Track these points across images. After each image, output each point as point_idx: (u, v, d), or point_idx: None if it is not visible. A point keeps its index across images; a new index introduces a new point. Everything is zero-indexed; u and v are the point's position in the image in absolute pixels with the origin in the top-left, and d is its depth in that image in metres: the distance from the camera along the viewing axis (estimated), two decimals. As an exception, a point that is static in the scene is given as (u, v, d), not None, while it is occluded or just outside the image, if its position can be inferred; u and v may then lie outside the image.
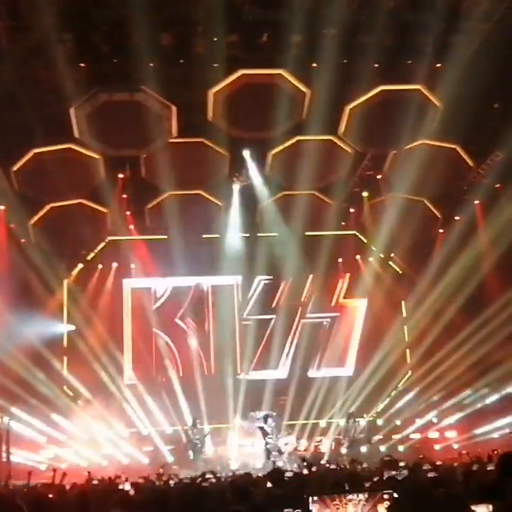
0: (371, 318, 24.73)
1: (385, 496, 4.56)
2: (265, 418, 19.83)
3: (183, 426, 21.59)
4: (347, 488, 7.99)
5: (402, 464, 14.97)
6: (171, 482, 14.56)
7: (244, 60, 17.39)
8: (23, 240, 21.79)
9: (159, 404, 22.93)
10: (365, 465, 16.36)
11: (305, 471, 15.24)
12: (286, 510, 3.92)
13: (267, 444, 19.35)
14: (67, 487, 12.78)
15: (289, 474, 12.60)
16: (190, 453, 20.74)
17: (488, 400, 21.69)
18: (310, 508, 4.28)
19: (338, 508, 4.45)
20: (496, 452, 15.91)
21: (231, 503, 6.72)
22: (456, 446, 21.51)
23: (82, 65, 16.89)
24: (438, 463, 15.67)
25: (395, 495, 4.59)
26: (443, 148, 20.18)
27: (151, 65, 16.81)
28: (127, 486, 12.87)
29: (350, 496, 4.50)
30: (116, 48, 16.57)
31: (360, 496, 4.53)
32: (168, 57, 17.08)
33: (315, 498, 4.34)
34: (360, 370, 23.70)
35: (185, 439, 20.62)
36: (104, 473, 17.27)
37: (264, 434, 19.41)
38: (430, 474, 10.82)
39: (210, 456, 20.47)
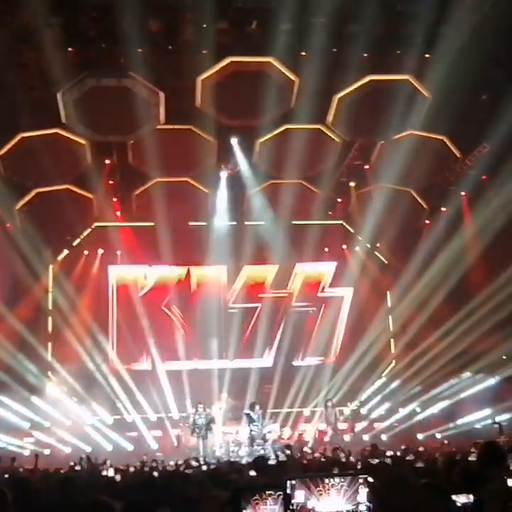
0: (356, 307, 24.82)
1: (360, 481, 4.62)
2: (252, 405, 19.88)
3: (184, 412, 21.51)
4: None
5: (388, 453, 15.14)
6: (155, 470, 14.65)
7: (233, 47, 17.35)
8: (8, 225, 21.68)
9: (144, 391, 22.94)
10: (346, 458, 16.42)
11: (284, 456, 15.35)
12: (268, 492, 3.95)
13: (251, 431, 19.39)
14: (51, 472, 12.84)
15: (272, 462, 12.71)
16: (174, 440, 20.84)
17: (472, 390, 21.83)
18: (288, 492, 4.33)
19: (321, 494, 4.50)
20: (478, 442, 16.17)
21: (212, 490, 6.75)
22: (438, 435, 21.67)
23: (70, 49, 16.77)
24: (420, 449, 15.87)
25: (370, 479, 4.65)
26: (430, 139, 20.22)
27: (140, 51, 16.73)
28: (111, 472, 12.93)
29: (332, 482, 4.55)
30: (105, 33, 16.52)
31: (343, 480, 4.59)
32: (156, 44, 17.03)
33: (294, 482, 4.39)
34: (345, 359, 23.79)
35: (188, 424, 20.40)
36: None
37: (250, 421, 19.45)
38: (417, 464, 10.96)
39: (194, 443, 20.49)
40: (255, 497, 3.92)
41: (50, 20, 15.74)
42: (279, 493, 3.98)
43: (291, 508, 4.33)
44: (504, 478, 5.54)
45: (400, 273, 23.44)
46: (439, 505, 5.16)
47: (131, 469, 15.14)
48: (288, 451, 17.02)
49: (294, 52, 17.38)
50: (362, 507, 4.58)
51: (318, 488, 4.49)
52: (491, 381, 21.39)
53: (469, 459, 10.41)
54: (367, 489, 4.59)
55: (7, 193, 20.21)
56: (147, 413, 22.97)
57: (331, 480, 4.53)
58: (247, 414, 19.74)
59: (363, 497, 4.61)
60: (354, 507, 4.57)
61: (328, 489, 4.52)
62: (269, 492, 3.96)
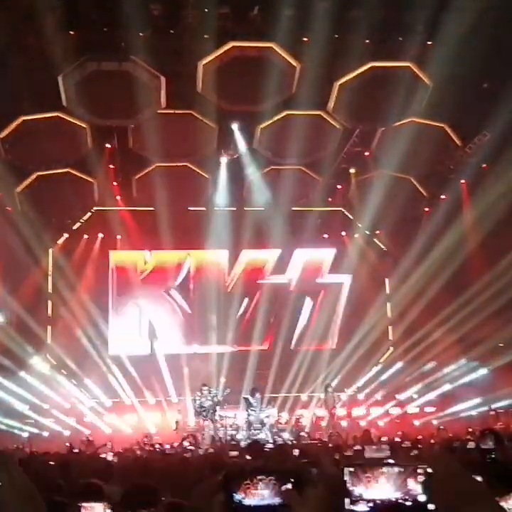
0: (355, 294, 24.87)
1: (420, 471, 4.62)
2: (253, 391, 20.00)
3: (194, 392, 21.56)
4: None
5: (383, 439, 15.26)
6: (153, 453, 14.77)
7: (235, 32, 17.32)
8: (8, 208, 21.69)
9: (142, 375, 23.04)
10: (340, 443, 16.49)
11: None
12: (259, 477, 4.01)
13: (249, 415, 19.51)
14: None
15: (269, 446, 12.82)
16: (173, 424, 20.98)
17: (469, 377, 21.94)
18: (345, 479, 4.40)
19: (369, 481, 4.54)
20: (472, 429, 16.30)
21: (209, 474, 6.82)
22: (435, 422, 21.80)
23: (71, 32, 16.74)
24: (419, 437, 15.98)
25: (429, 470, 4.66)
26: (431, 127, 20.21)
27: (141, 34, 16.71)
28: (109, 456, 13.01)
29: (382, 469, 4.57)
30: (107, 17, 16.45)
31: (394, 469, 4.61)
32: (158, 28, 16.98)
33: (352, 470, 4.44)
34: (343, 345, 23.88)
35: (194, 406, 20.40)
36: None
37: (248, 405, 19.58)
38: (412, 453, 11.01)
39: (193, 427, 20.62)
40: (246, 482, 3.98)
41: (52, 3, 15.70)
42: (270, 477, 4.04)
43: (349, 496, 4.38)
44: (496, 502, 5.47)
45: (398, 260, 23.50)
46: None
47: (138, 452, 15.25)
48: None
49: (296, 38, 17.33)
50: (421, 497, 4.57)
51: (366, 475, 4.51)
52: (488, 368, 21.49)
53: (468, 446, 10.46)
54: (423, 478, 4.59)
55: (8, 175, 20.19)
56: (146, 397, 23.09)
57: (382, 467, 4.54)
58: (246, 399, 19.87)
59: (413, 485, 4.61)
60: (403, 495, 4.58)
61: (377, 476, 4.53)
62: (261, 477, 4.01)
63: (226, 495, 3.92)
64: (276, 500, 4.02)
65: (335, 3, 16.09)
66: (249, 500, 3.95)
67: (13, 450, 15.56)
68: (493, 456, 7.14)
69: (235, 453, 9.94)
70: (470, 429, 16.48)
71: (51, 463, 10.37)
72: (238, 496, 3.94)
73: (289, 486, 4.13)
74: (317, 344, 24.61)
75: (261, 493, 4.01)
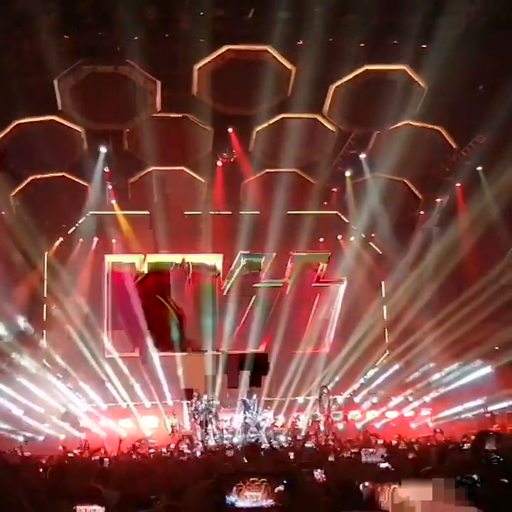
0: (351, 297, 24.83)
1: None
2: (249, 393, 20.02)
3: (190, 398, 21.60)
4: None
5: (380, 442, 15.27)
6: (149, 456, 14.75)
7: (230, 35, 17.33)
8: (3, 212, 21.66)
9: (138, 379, 23.01)
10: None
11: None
12: (251, 478, 4.00)
13: (245, 418, 19.51)
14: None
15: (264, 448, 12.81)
16: (169, 428, 20.97)
17: (465, 380, 21.96)
18: (362, 492, 4.42)
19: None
20: (470, 431, 16.32)
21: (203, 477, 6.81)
22: (431, 424, 21.80)
23: (66, 36, 16.73)
24: (413, 440, 16.00)
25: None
26: (426, 130, 20.25)
27: (136, 38, 16.72)
28: (105, 460, 12.98)
29: (395, 485, 4.55)
30: (102, 21, 16.44)
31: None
32: (153, 31, 16.96)
33: (367, 484, 4.45)
34: (339, 348, 23.85)
35: (191, 411, 20.41)
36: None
37: (246, 408, 19.58)
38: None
39: (189, 430, 20.59)
40: (239, 484, 3.96)
41: (47, 6, 15.70)
42: (262, 479, 4.02)
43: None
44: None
45: (394, 263, 23.50)
46: None
47: (134, 457, 15.23)
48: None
49: (291, 41, 17.35)
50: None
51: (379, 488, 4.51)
52: (484, 371, 21.50)
53: (463, 448, 10.49)
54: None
55: (2, 180, 20.19)
56: (142, 400, 23.05)
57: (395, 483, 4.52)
58: (244, 401, 19.87)
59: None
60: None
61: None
62: (253, 479, 3.99)
63: (219, 497, 3.91)
64: (269, 502, 4.00)
65: (330, 6, 16.11)
66: (242, 503, 3.93)
67: (8, 454, 15.49)
68: (498, 457, 7.15)
69: (231, 452, 9.92)
70: (472, 431, 16.50)
71: (47, 467, 10.35)
72: (231, 498, 3.92)
73: (282, 487, 4.12)
74: (313, 347, 24.57)
75: (254, 495, 3.99)
